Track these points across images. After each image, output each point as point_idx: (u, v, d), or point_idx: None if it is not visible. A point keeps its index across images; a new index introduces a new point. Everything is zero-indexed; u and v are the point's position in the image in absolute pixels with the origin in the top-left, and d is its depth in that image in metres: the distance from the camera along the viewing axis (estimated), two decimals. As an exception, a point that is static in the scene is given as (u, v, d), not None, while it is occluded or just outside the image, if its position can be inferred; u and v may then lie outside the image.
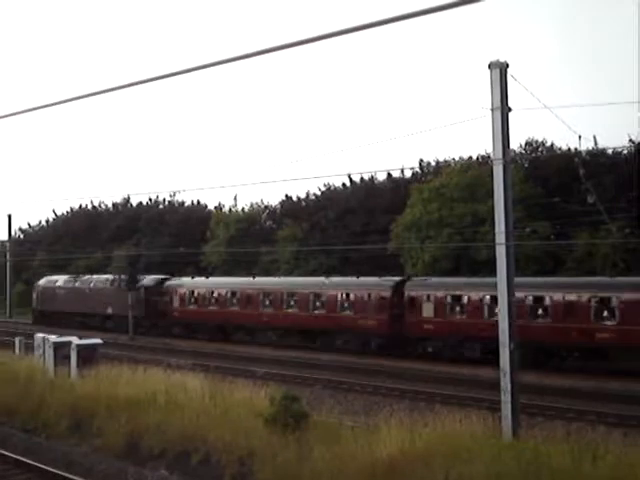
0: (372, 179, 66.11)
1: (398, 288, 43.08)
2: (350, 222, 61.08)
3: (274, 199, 74.88)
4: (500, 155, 18.47)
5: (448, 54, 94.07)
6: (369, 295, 43.95)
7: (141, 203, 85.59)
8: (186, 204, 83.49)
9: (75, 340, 28.60)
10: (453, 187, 53.52)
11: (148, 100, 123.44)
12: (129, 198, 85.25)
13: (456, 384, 32.38)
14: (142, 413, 20.59)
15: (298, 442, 16.99)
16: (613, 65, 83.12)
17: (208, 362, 36.66)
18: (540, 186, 50.85)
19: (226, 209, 76.47)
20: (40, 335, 30.46)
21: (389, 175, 64.48)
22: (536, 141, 55.74)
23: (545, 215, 47.87)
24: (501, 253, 18.53)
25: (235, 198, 75.42)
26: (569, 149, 51.23)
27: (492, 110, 18.55)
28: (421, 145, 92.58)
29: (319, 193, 69.71)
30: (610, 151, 50.57)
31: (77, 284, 64.58)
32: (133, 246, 74.13)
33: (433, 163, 61.89)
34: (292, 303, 47.62)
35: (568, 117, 20.84)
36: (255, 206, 74.74)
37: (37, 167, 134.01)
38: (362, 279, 46.60)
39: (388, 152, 63.31)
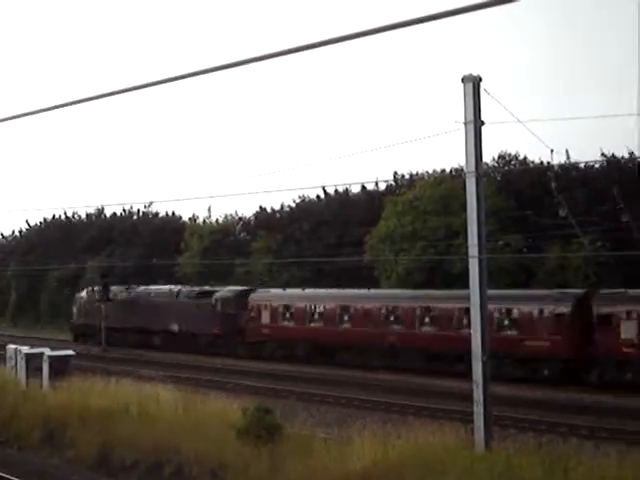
0: (346, 191, 66.19)
1: (580, 302, 36.99)
2: (324, 234, 61.07)
3: (248, 210, 74.58)
4: (473, 168, 18.59)
5: (422, 67, 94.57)
6: (540, 311, 37.36)
7: (115, 214, 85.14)
8: (160, 215, 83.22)
9: (47, 351, 28.44)
10: (427, 200, 53.69)
11: (122, 111, 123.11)
12: (103, 209, 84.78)
13: (428, 396, 32.41)
14: (115, 424, 20.52)
15: (271, 454, 16.99)
16: (586, 79, 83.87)
17: (179, 373, 36.51)
18: (513, 199, 51.12)
19: (200, 220, 76.31)
20: (12, 346, 30.25)
21: (363, 187, 64.69)
22: (509, 154, 56.07)
23: (518, 228, 48.12)
24: (474, 266, 18.61)
25: (209, 209, 75.21)
26: (541, 162, 51.56)
27: (465, 124, 18.66)
28: (395, 158, 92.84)
29: (293, 205, 69.75)
30: (582, 165, 50.96)
31: (132, 295, 57.63)
32: (107, 257, 73.73)
33: (407, 176, 62.08)
34: (427, 320, 40.83)
35: (541, 131, 21.01)
36: (229, 217, 74.63)
37: (9, 177, 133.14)
38: (528, 291, 41.52)
39: (362, 164, 63.57)
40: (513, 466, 14.96)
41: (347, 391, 34.01)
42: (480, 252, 18.58)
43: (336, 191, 66.69)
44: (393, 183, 62.30)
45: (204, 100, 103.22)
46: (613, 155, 49.98)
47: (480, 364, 18.35)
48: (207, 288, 53.04)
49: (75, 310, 62.17)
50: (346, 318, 43.98)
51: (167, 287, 56.42)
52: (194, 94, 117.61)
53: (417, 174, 60.32)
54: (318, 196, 68.06)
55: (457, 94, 18.78)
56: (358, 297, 45.02)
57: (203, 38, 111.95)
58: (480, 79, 18.58)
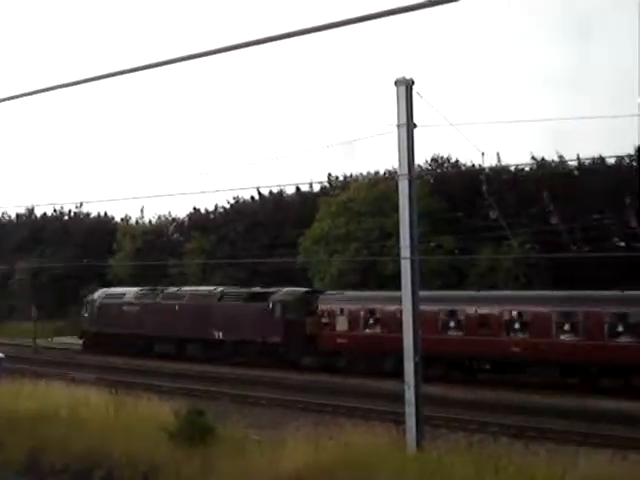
0: (281, 193, 66.26)
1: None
2: (259, 235, 61.12)
3: (182, 211, 74.23)
4: (406, 170, 18.74)
5: (357, 69, 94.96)
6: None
7: (45, 214, 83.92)
8: (92, 215, 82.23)
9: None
10: (360, 201, 54.03)
11: (52, 107, 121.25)
12: (33, 209, 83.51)
13: (360, 396, 32.53)
14: (45, 428, 20.21)
15: (203, 456, 16.91)
16: (518, 82, 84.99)
17: (112, 376, 36.10)
18: (445, 201, 51.69)
19: (133, 221, 75.66)
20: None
21: (298, 189, 64.83)
22: (441, 157, 56.70)
23: (450, 230, 48.66)
24: (406, 267, 18.76)
25: (142, 210, 74.64)
26: (473, 165, 52.26)
27: (398, 126, 18.81)
28: (330, 159, 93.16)
29: (228, 206, 69.58)
30: (513, 168, 51.79)
31: (159, 299, 51.02)
32: (37, 258, 72.59)
33: (341, 177, 62.40)
34: (567, 328, 35.16)
35: (473, 134, 21.27)
36: (162, 218, 74.16)
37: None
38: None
39: (297, 166, 63.66)
40: (444, 465, 15.11)
41: (280, 393, 33.97)
42: (412, 253, 18.73)
43: (270, 192, 66.78)
44: (327, 184, 62.55)
45: (137, 98, 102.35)
46: (543, 158, 50.86)
47: (412, 365, 18.50)
48: (259, 289, 47.19)
49: (87, 315, 55.42)
50: (453, 324, 38.10)
51: (205, 288, 50.61)
52: (126, 93, 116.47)
53: (351, 176, 60.72)
54: (252, 197, 68.05)
55: (392, 97, 18.93)
56: (465, 300, 39.10)
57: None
58: (413, 82, 18.74)
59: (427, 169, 56.54)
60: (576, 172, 50.61)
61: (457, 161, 56.53)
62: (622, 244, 45.93)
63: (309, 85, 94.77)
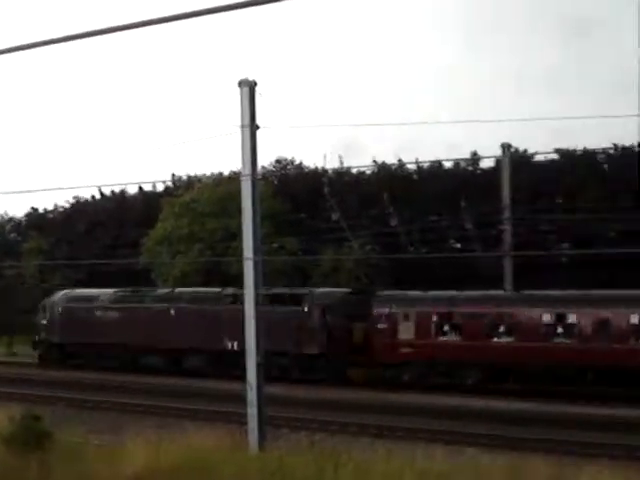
0: (123, 192, 65.17)
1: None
2: (100, 235, 59.99)
3: (19, 211, 71.93)
4: (248, 171, 18.85)
5: (202, 69, 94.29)
6: None
7: None
8: None
9: None
10: (204, 202, 53.83)
11: None
12: None
13: (205, 399, 32.36)
14: None
15: (40, 462, 16.43)
16: (363, 87, 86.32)
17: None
18: (289, 202, 52.15)
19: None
20: None
21: (140, 188, 63.92)
22: (285, 159, 57.22)
23: (293, 231, 49.14)
24: (249, 267, 18.87)
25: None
26: (316, 167, 52.96)
27: (242, 127, 18.89)
28: (174, 159, 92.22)
29: (67, 205, 67.95)
30: (355, 170, 52.86)
31: (147, 302, 43.28)
32: None
33: (185, 177, 61.95)
34: None
35: (316, 136, 21.55)
36: (-1, 218, 71.73)
37: None
38: None
39: (140, 165, 62.70)
40: (285, 465, 15.22)
41: (120, 397, 33.40)
42: (255, 254, 18.84)
43: (112, 192, 65.59)
44: (171, 184, 61.99)
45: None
46: (383, 162, 52.07)
47: (254, 366, 18.60)
48: (284, 290, 40.03)
49: (45, 321, 46.26)
50: (560, 330, 33.11)
51: (211, 289, 42.80)
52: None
53: (195, 176, 60.39)
54: (93, 196, 66.66)
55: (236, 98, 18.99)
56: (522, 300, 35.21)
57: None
58: (255, 84, 18.87)
59: (271, 170, 56.99)
60: (415, 176, 52.15)
61: (301, 163, 57.23)
62: (458, 245, 47.62)
63: (155, 82, 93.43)
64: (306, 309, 37.12)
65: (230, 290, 39.70)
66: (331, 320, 36.65)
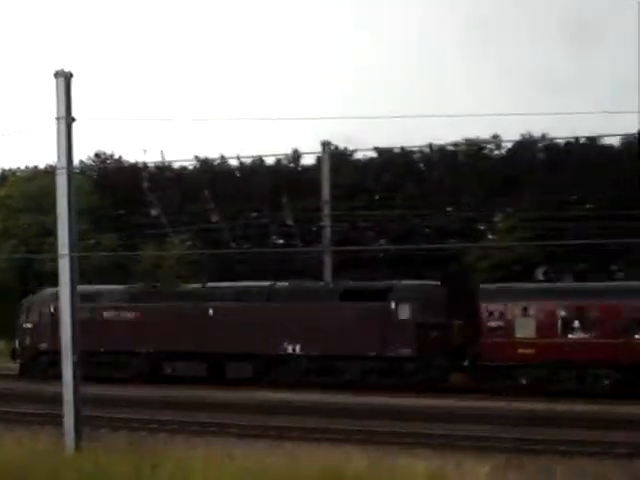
0: None
1: None
2: None
3: None
4: (64, 165, 18.38)
5: (19, 59, 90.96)
6: None
7: None
8: None
9: None
10: (18, 197, 52.28)
11: None
12: None
13: (20, 401, 31.23)
14: None
15: None
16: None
17: None
18: (109, 198, 51.24)
19: None
20: None
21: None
22: (104, 153, 56.15)
23: (113, 227, 48.31)
24: (64, 264, 18.41)
25: None
26: (136, 162, 52.22)
27: (57, 119, 18.42)
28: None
29: None
30: (177, 165, 52.45)
31: (174, 300, 37.34)
32: None
33: (-1, 172, 59.68)
34: None
35: (138, 130, 21.26)
36: None
37: None
38: None
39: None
40: (102, 465, 14.94)
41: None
42: (71, 250, 18.40)
43: None
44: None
45: None
46: (206, 158, 51.86)
47: (70, 364, 18.16)
48: (356, 283, 35.25)
49: (30, 326, 39.52)
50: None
51: (259, 283, 36.58)
52: None
53: (9, 170, 58.34)
54: None
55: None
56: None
57: None
58: (72, 75, 18.43)
59: (90, 165, 55.90)
60: (237, 173, 52.27)
61: (120, 157, 56.32)
62: (280, 241, 48.11)
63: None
64: (393, 305, 32.91)
65: (282, 284, 35.83)
66: (423, 318, 32.60)
